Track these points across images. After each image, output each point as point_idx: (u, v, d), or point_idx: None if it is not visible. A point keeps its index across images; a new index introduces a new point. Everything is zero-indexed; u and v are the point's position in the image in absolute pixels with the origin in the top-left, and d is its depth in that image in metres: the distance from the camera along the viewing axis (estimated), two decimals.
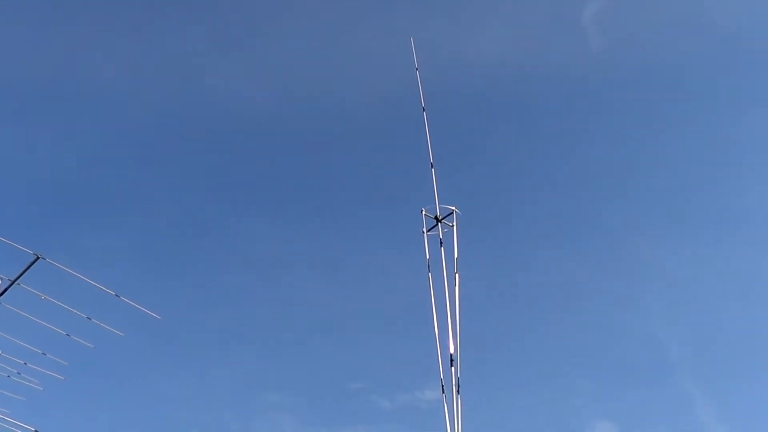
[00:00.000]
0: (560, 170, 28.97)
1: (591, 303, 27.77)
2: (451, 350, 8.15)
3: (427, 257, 8.93)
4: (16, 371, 11.49)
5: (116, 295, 11.29)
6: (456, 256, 8.92)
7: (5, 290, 10.95)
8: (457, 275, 8.73)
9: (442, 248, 8.97)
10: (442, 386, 7.91)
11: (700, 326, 27.05)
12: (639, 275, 28.08)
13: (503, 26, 29.09)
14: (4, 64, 26.02)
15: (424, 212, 9.25)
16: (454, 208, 9.23)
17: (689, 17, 28.22)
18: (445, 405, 7.77)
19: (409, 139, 24.24)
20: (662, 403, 24.93)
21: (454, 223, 9.15)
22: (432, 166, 9.79)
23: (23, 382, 11.57)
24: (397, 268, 24.72)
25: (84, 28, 28.90)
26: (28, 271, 10.97)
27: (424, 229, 9.14)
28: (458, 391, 7.87)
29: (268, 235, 28.63)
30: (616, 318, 27.38)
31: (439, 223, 9.16)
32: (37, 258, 10.90)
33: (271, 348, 26.35)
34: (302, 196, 29.52)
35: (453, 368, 8.03)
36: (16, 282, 10.99)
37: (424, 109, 10.38)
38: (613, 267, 28.62)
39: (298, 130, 29.60)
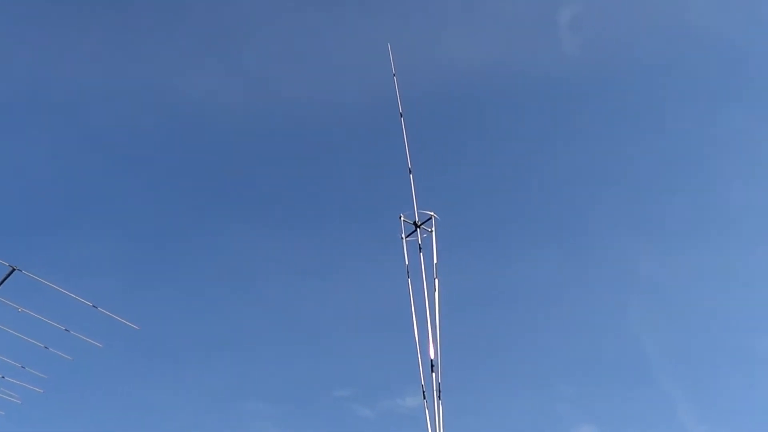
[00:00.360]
0: (540, 173, 29.06)
1: (573, 307, 27.84)
2: (432, 355, 8.13)
3: (407, 263, 8.91)
4: None
5: (94, 306, 11.22)
6: (435, 261, 8.92)
7: None
8: (436, 280, 8.72)
9: (421, 254, 8.97)
10: (423, 392, 7.88)
11: (681, 329, 27.19)
12: (621, 279, 28.19)
13: (479, 31, 29.13)
14: None
15: (402, 218, 9.23)
16: (432, 213, 9.22)
17: (664, 19, 28.40)
18: (426, 411, 7.75)
19: (388, 145, 24.25)
20: (643, 405, 25.02)
21: (433, 229, 9.15)
22: (410, 171, 9.78)
23: (2, 396, 11.50)
24: (378, 274, 24.71)
25: (61, 33, 28.75)
26: (4, 283, 10.90)
27: (403, 235, 9.13)
28: (439, 397, 7.85)
29: (248, 243, 28.55)
30: (597, 322, 27.47)
31: (418, 229, 9.15)
32: (13, 270, 10.81)
33: (253, 356, 26.28)
34: (282, 203, 29.48)
35: (434, 374, 8.01)
36: None
37: (401, 115, 10.38)
38: (594, 270, 28.72)
39: (276, 137, 29.57)
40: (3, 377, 11.46)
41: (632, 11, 28.89)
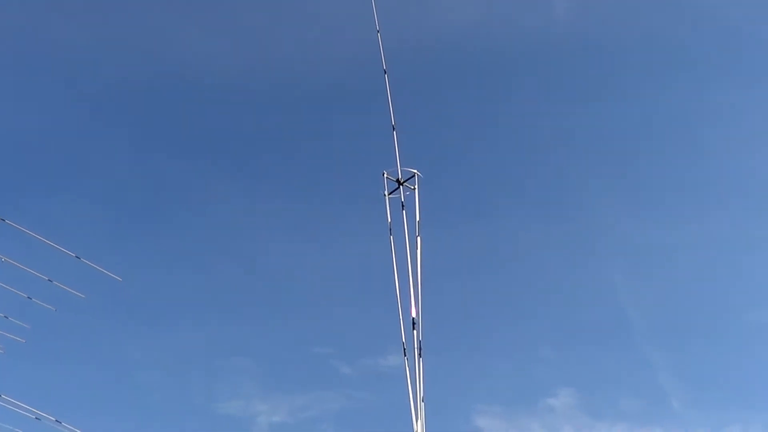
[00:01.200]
0: (526, 136, 29.07)
1: (555, 271, 28.01)
2: (413, 314, 8.15)
3: (389, 220, 8.91)
4: None
5: (77, 257, 11.23)
6: (418, 219, 8.91)
7: None
8: (418, 238, 8.72)
9: (404, 211, 8.96)
10: (404, 349, 7.91)
11: (661, 293, 27.42)
12: (602, 242, 28.36)
13: None
14: None
15: (385, 175, 9.20)
16: (416, 171, 9.19)
17: None
18: (407, 368, 7.78)
19: (372, 102, 24.18)
20: (624, 369, 25.29)
21: (416, 186, 9.12)
22: (394, 128, 9.74)
23: None
24: (361, 231, 24.75)
25: None
26: None
27: (386, 192, 9.11)
28: (420, 355, 7.88)
29: (231, 199, 28.57)
30: (580, 285, 27.67)
31: (401, 186, 9.13)
32: None
33: (235, 312, 26.40)
34: (265, 159, 29.46)
35: (415, 332, 8.04)
36: None
37: (385, 72, 10.32)
38: (576, 234, 28.89)
39: (260, 94, 29.48)
40: None
41: None
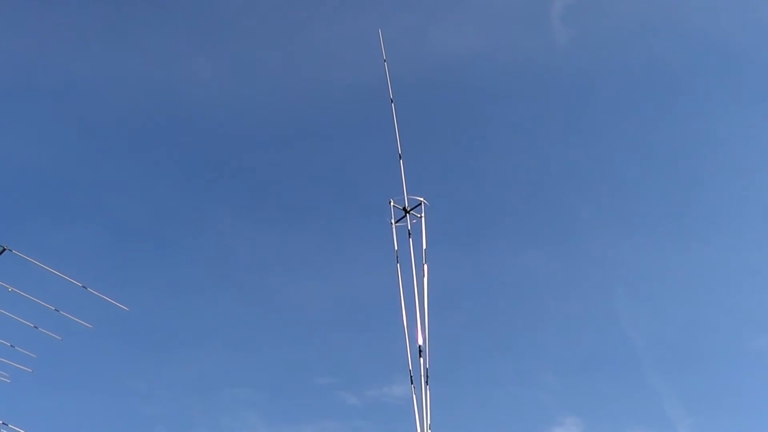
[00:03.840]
0: (529, 164, 29.12)
1: (559, 298, 27.95)
2: (420, 341, 8.16)
3: (396, 248, 8.94)
4: None
5: (83, 287, 11.25)
6: (424, 246, 8.95)
7: None
8: (425, 266, 8.75)
9: (410, 239, 9.00)
10: (411, 377, 7.92)
11: (667, 320, 27.31)
12: (606, 269, 28.28)
13: (472, 19, 29.18)
14: None
15: (392, 203, 9.25)
16: (422, 199, 9.24)
17: (656, 13, 28.48)
18: (414, 396, 7.78)
19: (378, 131, 24.28)
20: (629, 398, 25.13)
21: (423, 215, 9.16)
22: (400, 157, 9.80)
23: None
24: (366, 260, 24.74)
25: (56, 22, 28.72)
26: None
27: (393, 221, 9.15)
28: (427, 382, 7.89)
29: (236, 230, 28.59)
30: (582, 312, 27.58)
31: (408, 215, 9.17)
32: (3, 249, 10.82)
33: (238, 343, 26.32)
34: (270, 189, 29.50)
35: (422, 359, 8.05)
36: None
37: (392, 101, 10.39)
38: (580, 261, 28.83)
39: (266, 124, 29.59)
40: None
41: (625, 4, 29.02)
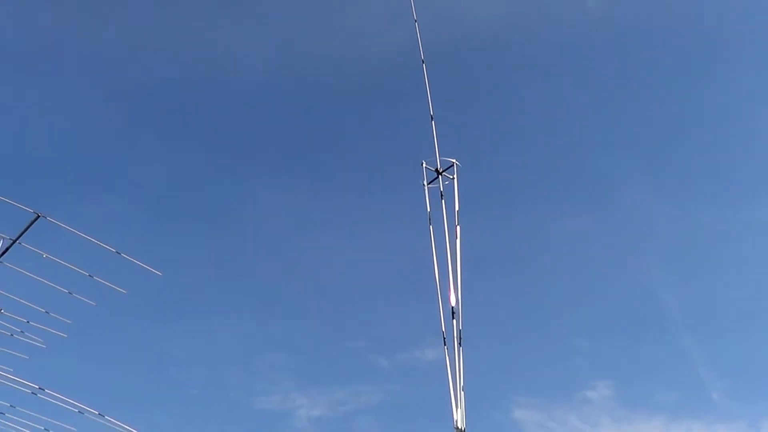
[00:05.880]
0: (560, 124, 28.93)
1: (590, 259, 27.87)
2: (453, 303, 8.14)
3: (428, 210, 8.91)
4: (19, 330, 11.50)
5: (117, 252, 11.28)
6: (457, 208, 8.90)
7: (6, 249, 10.93)
8: (458, 227, 8.71)
9: (443, 201, 8.96)
10: (444, 338, 7.90)
11: (699, 282, 27.17)
12: (637, 230, 28.15)
13: None
14: (5, 26, 25.90)
15: (424, 165, 9.20)
16: (454, 160, 9.18)
17: None
18: (447, 357, 7.77)
19: (409, 93, 24.15)
20: (660, 360, 25.09)
21: (455, 176, 9.11)
22: (432, 118, 9.73)
23: (26, 340, 11.59)
24: (398, 222, 24.72)
25: None
26: (29, 230, 10.95)
27: (425, 182, 9.11)
28: (460, 344, 7.86)
29: (268, 195, 28.67)
30: (614, 274, 27.49)
31: (440, 176, 9.12)
32: (38, 217, 10.85)
33: (271, 307, 26.48)
34: (302, 153, 29.52)
35: (454, 320, 8.02)
36: (17, 241, 10.97)
37: (423, 62, 10.31)
38: (612, 222, 28.70)
39: (298, 88, 29.53)
40: (28, 322, 11.55)
41: None
